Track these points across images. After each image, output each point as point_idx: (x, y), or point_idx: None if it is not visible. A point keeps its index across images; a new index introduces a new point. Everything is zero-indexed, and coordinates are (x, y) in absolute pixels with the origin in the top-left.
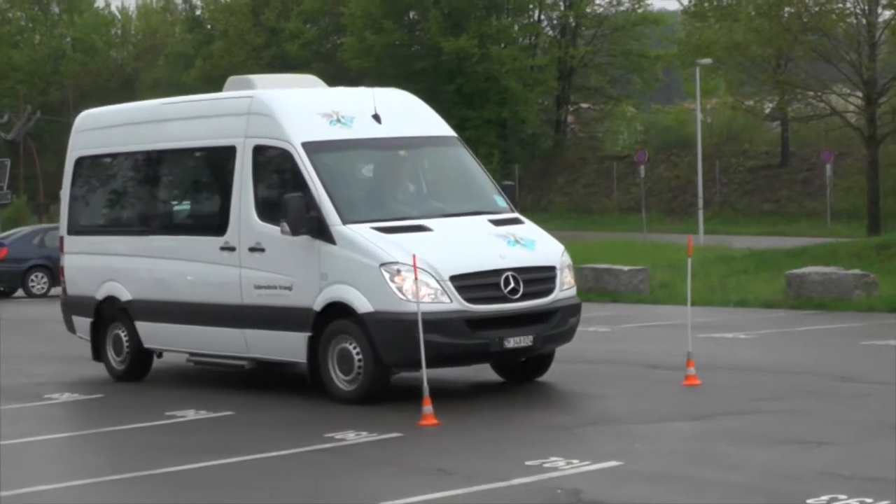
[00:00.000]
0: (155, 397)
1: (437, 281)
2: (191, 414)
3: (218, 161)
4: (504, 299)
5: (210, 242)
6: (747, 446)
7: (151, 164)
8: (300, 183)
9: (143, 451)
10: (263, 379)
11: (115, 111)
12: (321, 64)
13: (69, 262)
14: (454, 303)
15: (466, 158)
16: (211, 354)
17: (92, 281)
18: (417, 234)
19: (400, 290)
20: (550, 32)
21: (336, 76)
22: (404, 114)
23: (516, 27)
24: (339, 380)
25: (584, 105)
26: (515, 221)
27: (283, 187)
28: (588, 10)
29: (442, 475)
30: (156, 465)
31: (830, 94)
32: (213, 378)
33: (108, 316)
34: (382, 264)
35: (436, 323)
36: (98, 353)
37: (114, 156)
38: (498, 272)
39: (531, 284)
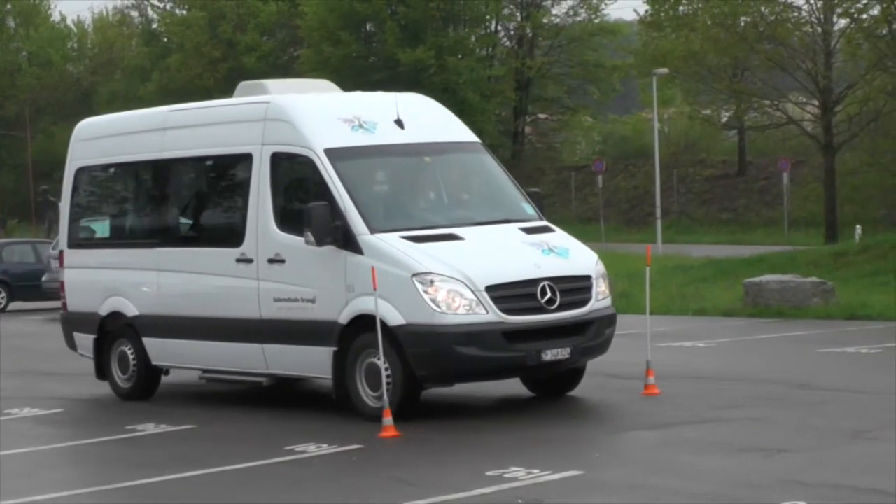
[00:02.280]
0: (114, 412)
1: (473, 291)
2: (151, 428)
3: (232, 169)
4: (541, 310)
5: (225, 254)
6: (707, 454)
7: (159, 174)
8: (323, 191)
9: (105, 464)
10: (223, 393)
11: (117, 119)
12: (278, 76)
13: (70, 276)
14: (490, 314)
15: (491, 165)
16: (226, 371)
17: (95, 296)
18: (448, 242)
19: (434, 301)
20: (507, 43)
21: None
22: (426, 119)
23: (473, 38)
24: (368, 396)
25: (542, 115)
26: (546, 229)
27: (304, 196)
28: (545, 20)
29: (403, 486)
30: (119, 479)
31: (787, 102)
32: (172, 392)
33: (112, 332)
34: (415, 275)
35: (472, 335)
36: (102, 372)
37: (117, 165)
38: (534, 282)
39: (568, 294)
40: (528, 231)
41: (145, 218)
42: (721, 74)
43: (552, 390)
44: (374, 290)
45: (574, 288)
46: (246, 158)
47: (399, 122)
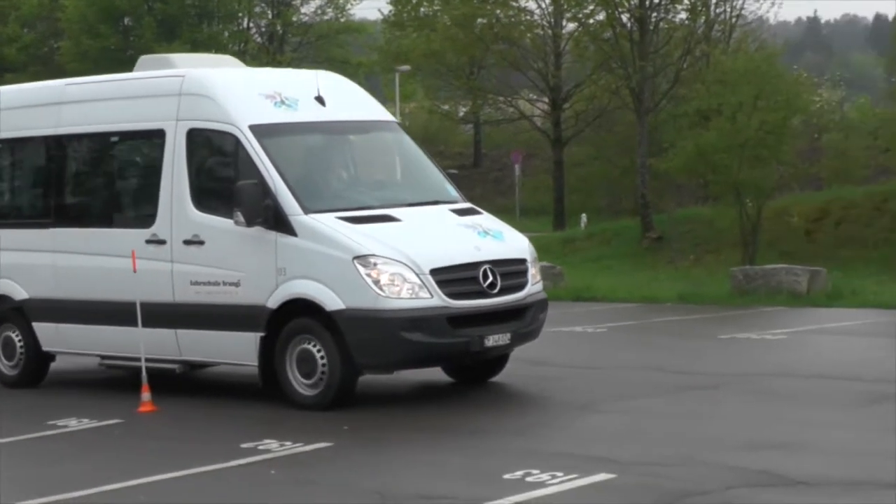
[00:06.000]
0: None
1: (417, 275)
2: None
3: (141, 146)
4: (483, 294)
5: (132, 235)
6: (450, 430)
7: (54, 151)
8: (249, 170)
9: None
10: None
11: (5, 93)
12: (38, 67)
13: None
14: (435, 298)
15: (411, 145)
16: (130, 357)
17: None
18: (387, 224)
19: (377, 284)
20: (259, 39)
21: (54, 79)
22: (345, 97)
23: (227, 34)
24: (299, 384)
25: None
26: (475, 211)
27: (225, 174)
28: (294, 18)
29: (161, 458)
30: None
31: (519, 99)
32: None
33: None
34: (356, 257)
35: (417, 321)
36: None
37: (5, 141)
38: (476, 265)
39: (507, 278)
40: (459, 213)
41: (38, 197)
42: (459, 72)
43: (475, 377)
44: (134, 271)
45: (512, 272)
46: (157, 135)
47: (320, 100)
